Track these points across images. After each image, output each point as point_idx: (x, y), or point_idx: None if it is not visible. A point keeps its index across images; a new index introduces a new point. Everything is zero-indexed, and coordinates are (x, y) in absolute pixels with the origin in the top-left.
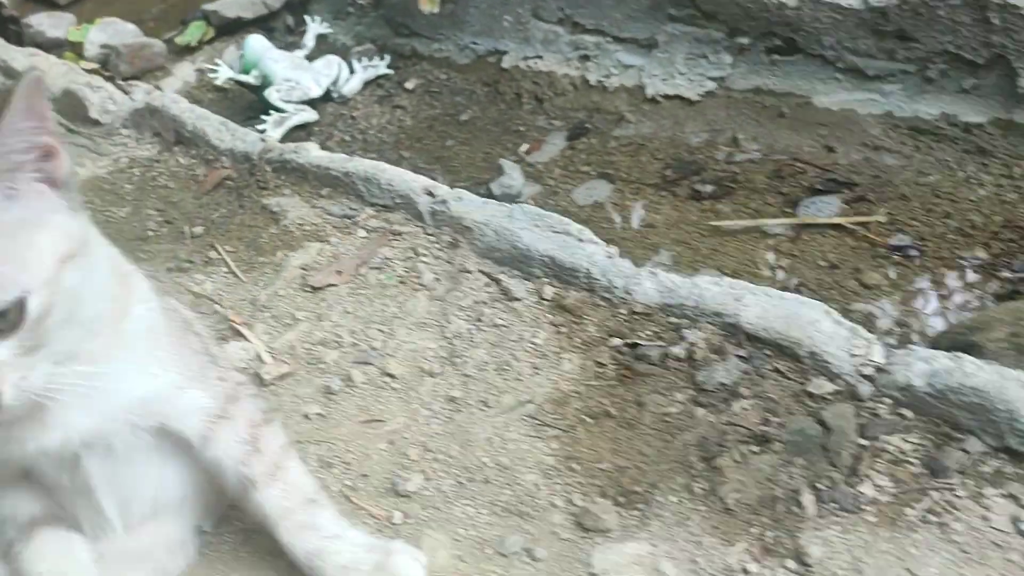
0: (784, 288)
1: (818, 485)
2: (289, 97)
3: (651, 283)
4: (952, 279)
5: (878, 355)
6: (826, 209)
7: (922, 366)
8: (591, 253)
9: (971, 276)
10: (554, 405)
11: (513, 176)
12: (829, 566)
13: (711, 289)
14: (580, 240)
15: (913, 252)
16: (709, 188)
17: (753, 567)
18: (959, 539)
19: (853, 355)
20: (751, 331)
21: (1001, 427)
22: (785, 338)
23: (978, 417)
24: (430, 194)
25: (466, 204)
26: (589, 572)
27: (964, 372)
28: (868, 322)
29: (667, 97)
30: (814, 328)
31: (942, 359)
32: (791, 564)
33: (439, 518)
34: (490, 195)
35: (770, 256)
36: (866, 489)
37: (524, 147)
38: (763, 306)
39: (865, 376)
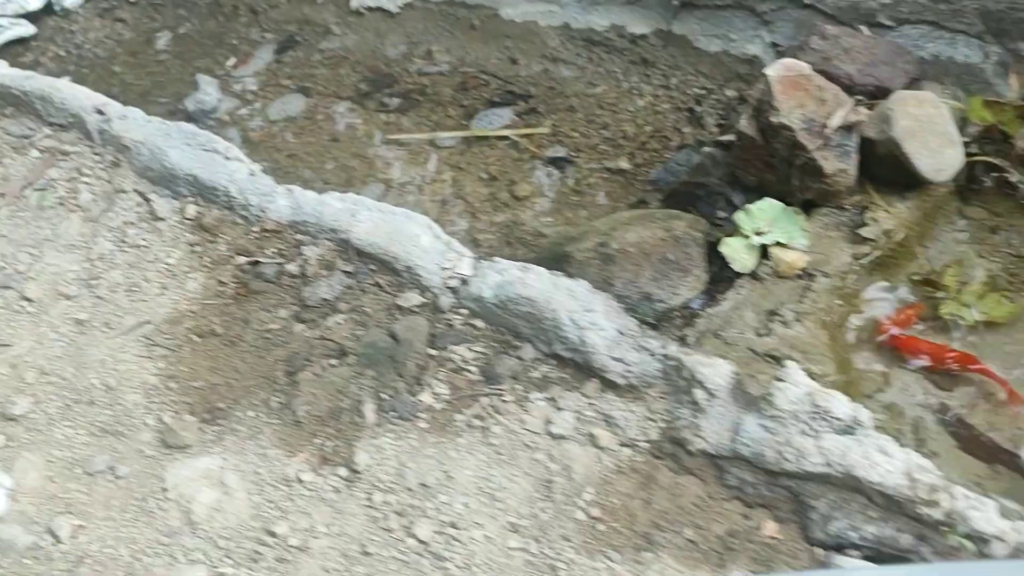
0: (443, 201)
1: (382, 395)
2: (4, 11)
3: (285, 200)
4: (593, 188)
5: (466, 268)
6: (498, 121)
7: (495, 277)
8: (233, 171)
9: (611, 186)
10: (169, 325)
11: (208, 92)
12: (376, 472)
13: (333, 206)
14: (227, 158)
15: (565, 163)
16: (396, 101)
17: (308, 476)
18: (496, 442)
19: (444, 268)
20: (359, 246)
21: (549, 335)
22: (387, 253)
23: (533, 325)
24: (100, 112)
25: (128, 123)
26: (162, 487)
27: (524, 283)
28: (508, 233)
29: (370, 9)
30: (413, 243)
31: (513, 270)
32: (342, 472)
33: (39, 440)
34: (185, 112)
35: (436, 168)
36: (425, 397)
37: (232, 61)
38: (375, 221)
39: (450, 288)
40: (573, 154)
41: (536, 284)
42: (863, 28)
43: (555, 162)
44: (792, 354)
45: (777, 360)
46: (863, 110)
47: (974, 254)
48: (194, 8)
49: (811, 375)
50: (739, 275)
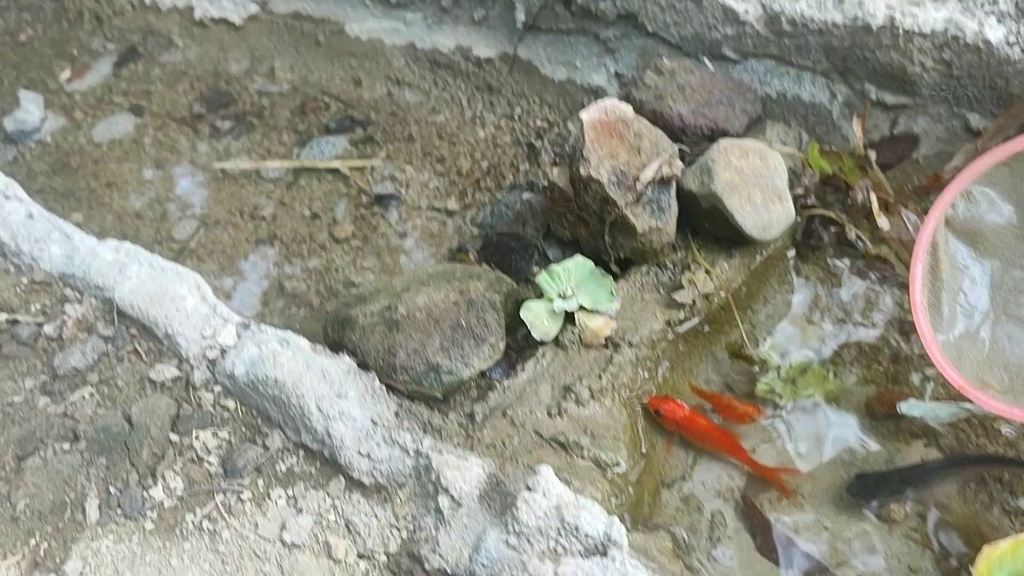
0: (258, 241)
1: (111, 488)
2: None
3: (60, 248)
4: (416, 231)
5: (229, 337)
6: (330, 150)
7: (251, 351)
8: (8, 212)
9: (435, 228)
10: None
11: (30, 110)
12: None
13: (104, 258)
14: (6, 197)
15: (392, 201)
16: (228, 125)
17: None
18: (224, 548)
19: (204, 336)
20: (122, 307)
21: (297, 422)
22: (147, 316)
23: (282, 411)
24: None
25: None
26: None
27: (275, 360)
28: (319, 281)
29: (214, 20)
30: (176, 306)
31: (272, 343)
32: None
33: None
34: (4, 133)
35: (256, 203)
36: (157, 492)
37: (66, 74)
38: (142, 278)
39: (209, 361)
40: (401, 190)
41: (287, 363)
42: (707, 61)
43: (381, 200)
44: (581, 439)
45: (564, 447)
46: (678, 163)
47: (804, 320)
48: (39, 13)
49: (598, 463)
50: (544, 342)
